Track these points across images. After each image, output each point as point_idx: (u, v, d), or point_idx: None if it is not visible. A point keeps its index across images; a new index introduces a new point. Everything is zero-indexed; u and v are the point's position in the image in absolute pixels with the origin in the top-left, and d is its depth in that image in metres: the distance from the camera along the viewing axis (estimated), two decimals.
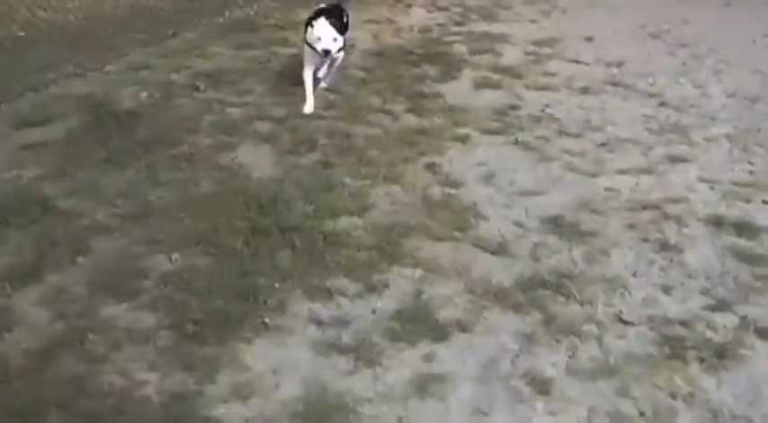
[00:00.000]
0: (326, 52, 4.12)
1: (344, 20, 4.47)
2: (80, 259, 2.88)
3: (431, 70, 4.91)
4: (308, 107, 4.21)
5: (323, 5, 4.51)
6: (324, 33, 4.12)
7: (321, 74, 4.39)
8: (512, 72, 4.88)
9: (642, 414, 2.25)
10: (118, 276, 2.79)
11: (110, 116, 4.06)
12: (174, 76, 4.66)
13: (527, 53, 5.29)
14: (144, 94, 4.36)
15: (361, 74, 4.80)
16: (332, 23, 4.17)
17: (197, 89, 4.47)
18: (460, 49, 5.36)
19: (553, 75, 4.89)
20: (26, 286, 2.72)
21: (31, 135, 3.86)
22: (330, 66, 4.38)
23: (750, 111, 4.39)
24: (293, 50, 5.00)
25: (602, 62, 5.14)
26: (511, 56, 5.22)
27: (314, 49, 4.12)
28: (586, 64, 5.11)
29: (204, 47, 5.22)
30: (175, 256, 2.90)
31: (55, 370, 2.36)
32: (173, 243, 2.97)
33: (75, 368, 2.36)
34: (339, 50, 4.25)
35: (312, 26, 4.18)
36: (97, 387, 2.29)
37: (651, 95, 4.60)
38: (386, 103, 4.36)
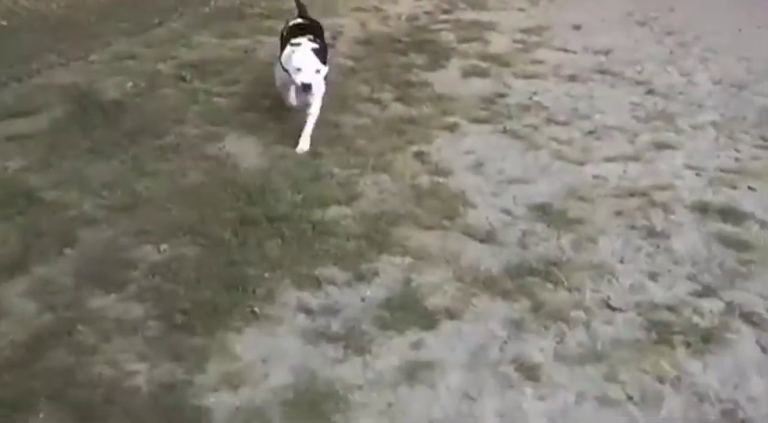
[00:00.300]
0: (307, 87, 3.44)
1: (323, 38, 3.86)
2: (67, 250, 2.86)
3: (418, 59, 4.89)
4: (292, 100, 3.63)
5: (299, 20, 3.98)
6: (305, 63, 3.42)
7: (308, 110, 3.67)
8: (500, 60, 4.88)
9: (630, 398, 2.27)
10: (105, 267, 2.77)
11: (94, 106, 4.02)
12: (159, 66, 4.62)
13: (515, 41, 5.28)
14: (129, 84, 4.32)
15: (349, 63, 4.77)
16: (316, 50, 3.48)
17: (183, 79, 4.43)
18: (448, 37, 5.35)
19: (541, 63, 4.89)
20: (13, 278, 2.70)
21: (14, 126, 3.81)
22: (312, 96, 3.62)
23: (736, 98, 4.42)
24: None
25: (589, 50, 5.14)
26: (499, 44, 5.22)
27: (291, 77, 3.49)
28: (574, 52, 5.12)
29: (189, 36, 5.17)
30: (163, 246, 2.89)
31: (44, 361, 2.35)
32: (160, 234, 2.95)
33: (64, 359, 2.35)
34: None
35: (291, 49, 3.48)
36: (87, 378, 2.29)
37: (638, 83, 4.61)
38: (374, 92, 4.34)
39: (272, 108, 4.08)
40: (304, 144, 3.60)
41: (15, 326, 2.49)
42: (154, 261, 2.81)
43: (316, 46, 3.52)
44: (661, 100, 4.38)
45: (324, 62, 3.52)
